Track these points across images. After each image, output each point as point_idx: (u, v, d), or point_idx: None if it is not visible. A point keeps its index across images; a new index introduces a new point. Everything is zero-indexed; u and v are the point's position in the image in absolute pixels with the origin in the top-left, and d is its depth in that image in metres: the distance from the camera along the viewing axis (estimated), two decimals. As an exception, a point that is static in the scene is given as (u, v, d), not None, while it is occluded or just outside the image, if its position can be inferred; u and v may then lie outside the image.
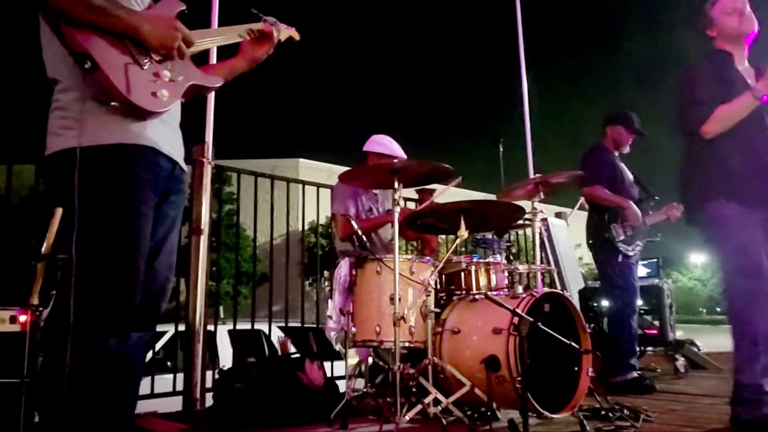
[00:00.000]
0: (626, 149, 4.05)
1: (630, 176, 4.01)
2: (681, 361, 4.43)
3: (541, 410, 2.30)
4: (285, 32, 2.07)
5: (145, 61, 1.59)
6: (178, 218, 1.79)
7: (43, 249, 2.47)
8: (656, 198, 4.04)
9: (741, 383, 2.34)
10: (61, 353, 1.42)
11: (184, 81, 1.69)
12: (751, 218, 2.38)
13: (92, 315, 1.48)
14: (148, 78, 1.59)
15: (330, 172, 19.15)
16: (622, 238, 3.77)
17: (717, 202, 2.42)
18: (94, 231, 1.51)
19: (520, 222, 3.08)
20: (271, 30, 1.96)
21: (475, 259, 2.88)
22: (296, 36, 2.14)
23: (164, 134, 1.68)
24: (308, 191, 4.23)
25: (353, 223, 2.96)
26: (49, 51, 1.61)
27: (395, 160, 3.41)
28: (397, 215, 2.60)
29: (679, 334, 5.05)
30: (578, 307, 2.71)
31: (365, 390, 2.72)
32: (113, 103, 1.54)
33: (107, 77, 1.49)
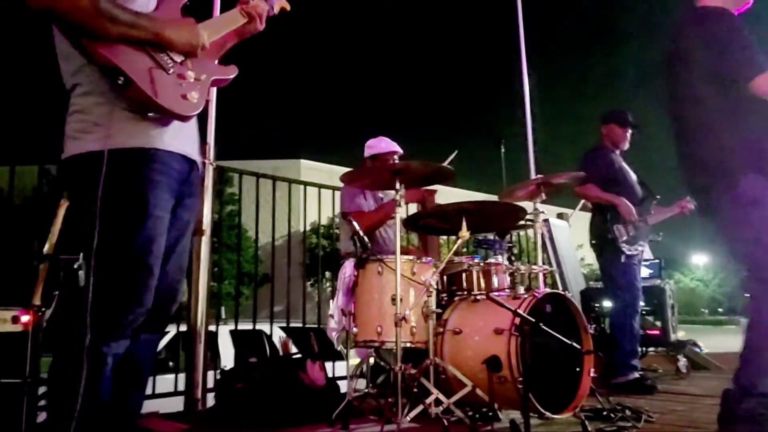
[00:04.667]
0: (626, 146, 4.06)
1: (633, 176, 4.02)
2: (683, 362, 4.43)
3: (543, 411, 2.29)
4: (278, 5, 2.08)
5: (170, 65, 1.58)
6: (191, 221, 1.79)
7: (45, 249, 2.48)
8: (657, 197, 4.05)
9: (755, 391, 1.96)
10: (72, 353, 1.42)
11: (207, 78, 1.69)
12: None
13: (103, 316, 1.48)
14: (176, 82, 1.58)
15: (331, 172, 19.16)
16: (624, 238, 3.77)
17: (753, 175, 1.99)
18: (110, 233, 1.51)
19: (522, 223, 3.08)
20: (261, 8, 1.94)
21: (476, 260, 2.88)
22: (287, 6, 2.14)
23: (183, 135, 1.67)
24: (310, 192, 4.24)
25: (355, 223, 2.95)
26: (66, 57, 1.59)
27: (395, 157, 3.43)
28: (399, 217, 2.60)
29: (681, 334, 5.04)
30: (580, 307, 2.70)
31: (367, 390, 2.72)
32: (150, 114, 1.54)
33: (143, 91, 1.49)
